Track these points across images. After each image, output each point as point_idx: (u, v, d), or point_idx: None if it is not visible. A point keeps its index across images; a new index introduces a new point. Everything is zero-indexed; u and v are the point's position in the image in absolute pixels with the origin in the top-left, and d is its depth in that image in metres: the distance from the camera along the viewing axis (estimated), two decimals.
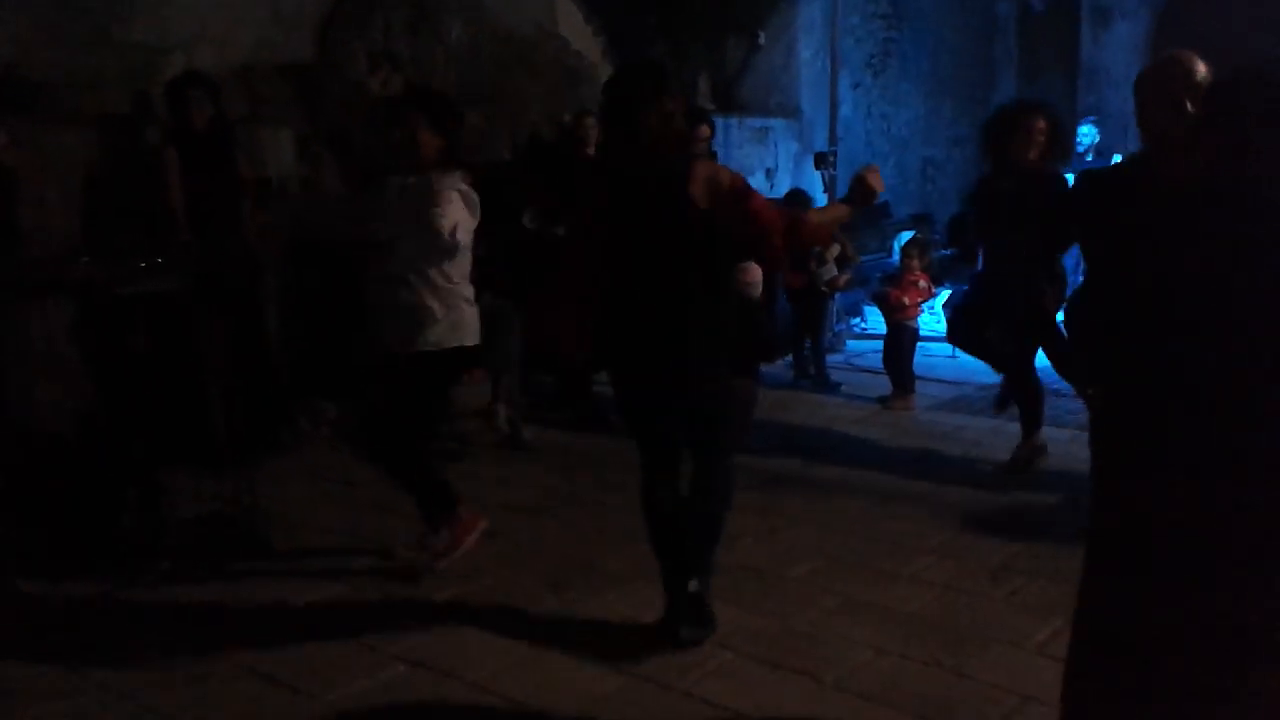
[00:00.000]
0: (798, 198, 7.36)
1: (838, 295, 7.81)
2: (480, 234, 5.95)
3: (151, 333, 4.14)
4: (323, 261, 5.69)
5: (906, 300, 6.88)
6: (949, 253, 7.59)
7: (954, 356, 7.27)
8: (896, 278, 7.09)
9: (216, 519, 4.44)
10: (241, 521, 4.40)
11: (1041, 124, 5.20)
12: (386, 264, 3.95)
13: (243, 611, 3.83)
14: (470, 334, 4.06)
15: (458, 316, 4.00)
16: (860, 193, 3.45)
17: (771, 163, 9.81)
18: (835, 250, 7.22)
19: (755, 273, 4.89)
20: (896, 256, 8.34)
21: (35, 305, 4.70)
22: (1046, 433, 5.45)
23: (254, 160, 5.84)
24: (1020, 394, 5.55)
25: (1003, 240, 5.28)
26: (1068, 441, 5.51)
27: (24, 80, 5.21)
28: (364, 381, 4.63)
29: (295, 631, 3.66)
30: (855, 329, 8.98)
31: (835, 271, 7.26)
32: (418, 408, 4.06)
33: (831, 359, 7.65)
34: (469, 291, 4.06)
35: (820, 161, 8.90)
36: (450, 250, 3.91)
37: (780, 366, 7.69)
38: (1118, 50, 11.65)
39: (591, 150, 6.49)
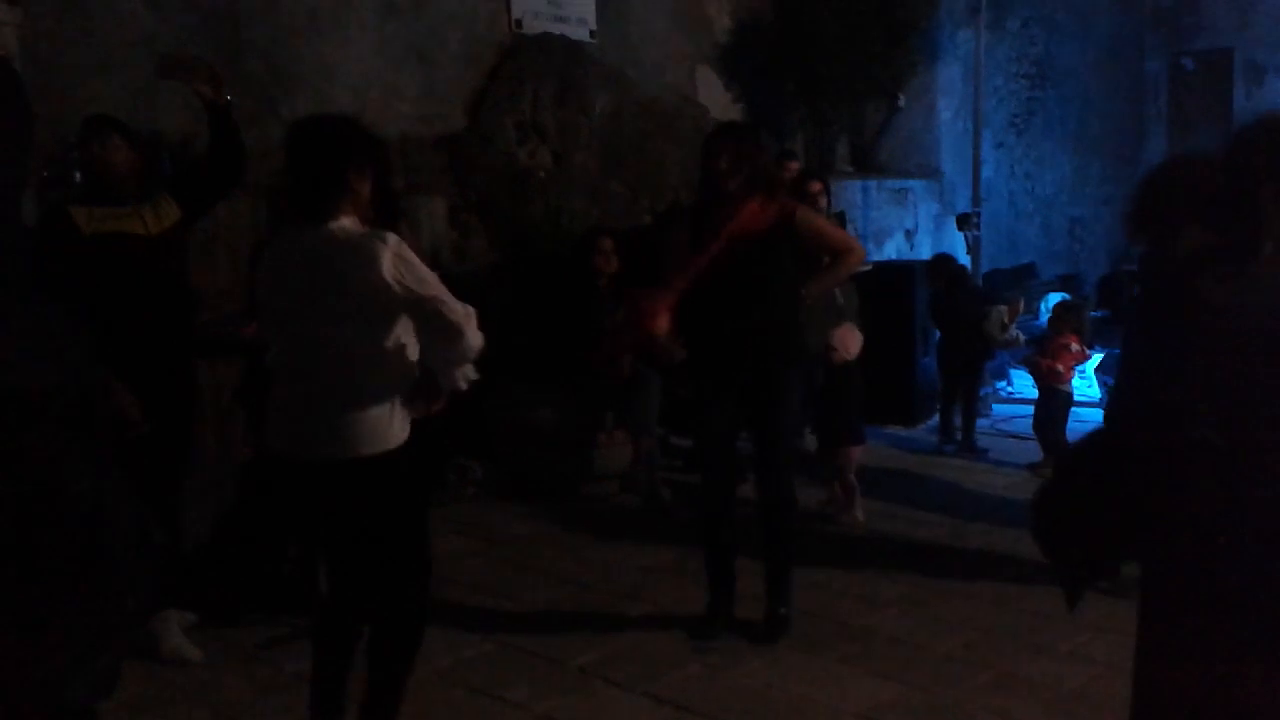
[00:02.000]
0: (945, 264, 7.26)
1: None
2: (622, 297, 6.10)
3: None
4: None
5: (1060, 367, 6.68)
6: (1101, 314, 7.38)
7: None
8: (1047, 342, 6.91)
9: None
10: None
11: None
12: None
13: None
14: None
15: None
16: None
17: (911, 223, 9.73)
18: (1019, 306, 7.07)
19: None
20: (1044, 318, 8.13)
21: (205, 365, 4.95)
22: None
23: (411, 227, 6.08)
24: None
25: None
26: None
27: (197, 151, 5.56)
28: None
29: (441, 688, 3.73)
30: (1001, 393, 8.76)
31: (1017, 333, 7.11)
32: None
33: (978, 424, 7.47)
34: None
35: (963, 223, 8.79)
36: None
37: (923, 431, 7.55)
38: (1272, 105, 11.20)
39: None
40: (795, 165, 7.18)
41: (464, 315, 2.94)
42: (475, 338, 2.97)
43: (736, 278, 3.96)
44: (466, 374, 3.05)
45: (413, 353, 2.98)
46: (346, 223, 2.94)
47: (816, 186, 6.21)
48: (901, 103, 9.64)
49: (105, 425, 2.81)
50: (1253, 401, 2.16)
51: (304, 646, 4.02)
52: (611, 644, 4.04)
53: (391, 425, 2.94)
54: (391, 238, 2.89)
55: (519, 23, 7.19)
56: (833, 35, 8.71)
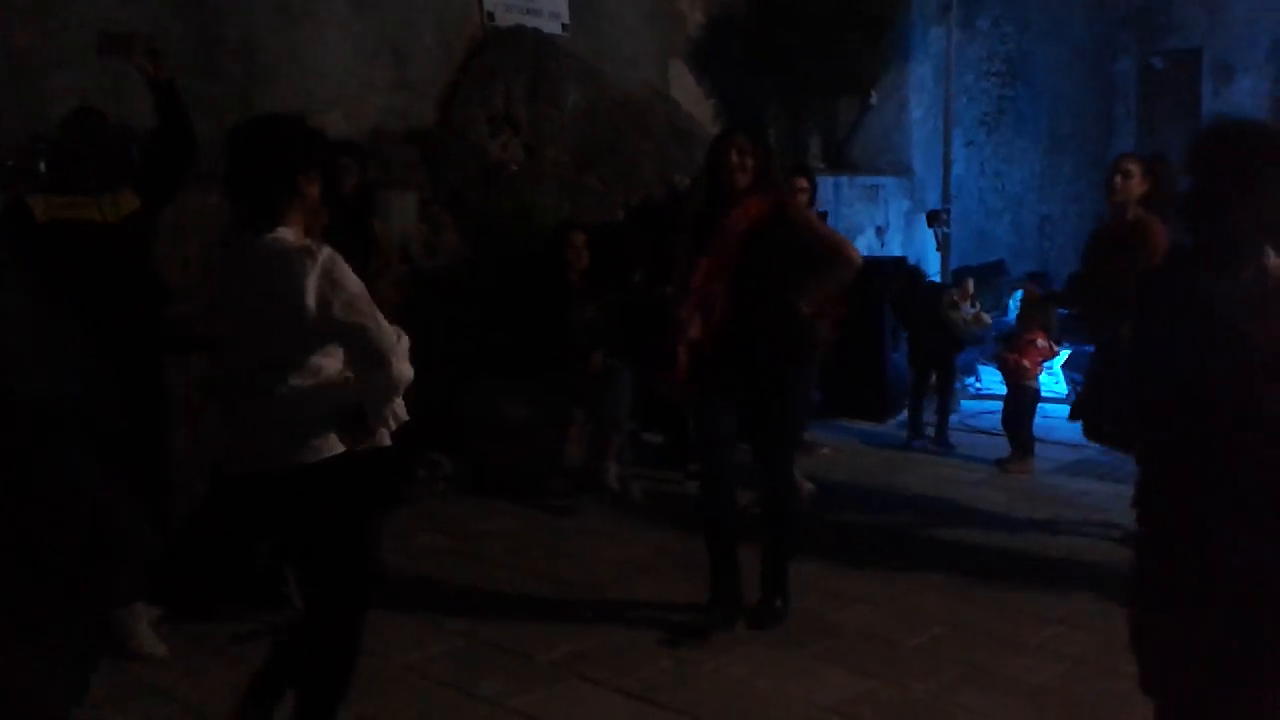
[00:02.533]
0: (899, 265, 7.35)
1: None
2: (594, 293, 6.10)
3: None
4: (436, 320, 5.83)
5: (1026, 363, 6.74)
6: (1068, 311, 7.44)
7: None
8: (1014, 338, 6.96)
9: None
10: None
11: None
12: None
13: (361, 664, 3.88)
14: None
15: None
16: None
17: (882, 220, 9.78)
18: (968, 286, 7.12)
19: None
20: (1013, 315, 8.19)
21: (176, 360, 4.90)
22: None
23: (381, 222, 6.04)
24: None
25: None
26: None
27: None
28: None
29: (410, 684, 3.71)
30: (970, 389, 8.82)
31: (975, 308, 7.15)
32: None
33: (952, 419, 7.52)
34: None
35: (933, 219, 8.85)
36: None
37: (893, 426, 7.60)
38: (1240, 105, 11.35)
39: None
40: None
41: (391, 344, 2.84)
42: (403, 369, 2.86)
43: (738, 274, 4.03)
44: (397, 412, 2.94)
45: (346, 373, 2.88)
46: (286, 233, 2.83)
47: (801, 183, 6.21)
48: (873, 100, 9.68)
49: (110, 430, 2.80)
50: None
51: (272, 641, 4.01)
52: (583, 639, 4.04)
53: (324, 439, 2.82)
54: (324, 254, 2.77)
55: (491, 16, 7.16)
56: (806, 32, 8.72)
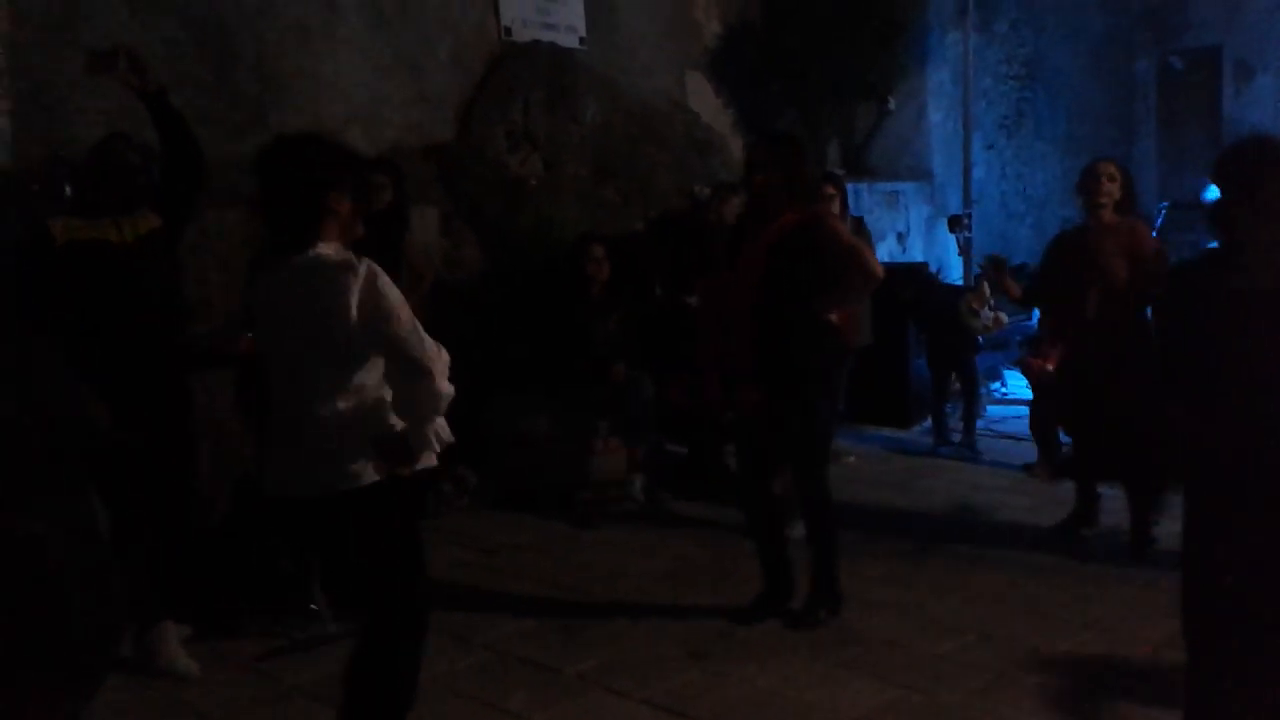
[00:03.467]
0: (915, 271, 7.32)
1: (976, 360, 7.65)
2: (615, 305, 6.10)
3: None
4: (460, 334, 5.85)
5: (1050, 367, 6.67)
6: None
7: None
8: (1039, 342, 6.90)
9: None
10: None
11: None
12: None
13: None
14: None
15: None
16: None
17: (903, 226, 9.74)
18: (984, 290, 7.07)
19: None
20: (1036, 319, 8.14)
21: (199, 376, 4.94)
22: None
23: (413, 237, 6.06)
24: None
25: None
26: None
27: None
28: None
29: (438, 698, 3.71)
30: (995, 394, 8.76)
31: (991, 313, 7.09)
32: None
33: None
34: None
35: (954, 224, 8.80)
36: None
37: (917, 433, 7.56)
38: (1261, 105, 11.26)
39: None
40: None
41: (434, 357, 2.83)
42: (444, 385, 2.85)
43: (766, 288, 4.07)
44: (440, 433, 2.93)
45: (384, 395, 2.86)
46: (326, 249, 2.84)
47: (829, 190, 6.20)
48: (891, 105, 9.66)
49: (119, 448, 2.79)
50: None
51: (301, 658, 4.02)
52: (609, 651, 4.03)
53: (364, 465, 2.81)
54: (364, 267, 2.78)
55: (508, 30, 7.19)
56: (822, 39, 8.71)
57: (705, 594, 4.65)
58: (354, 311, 2.73)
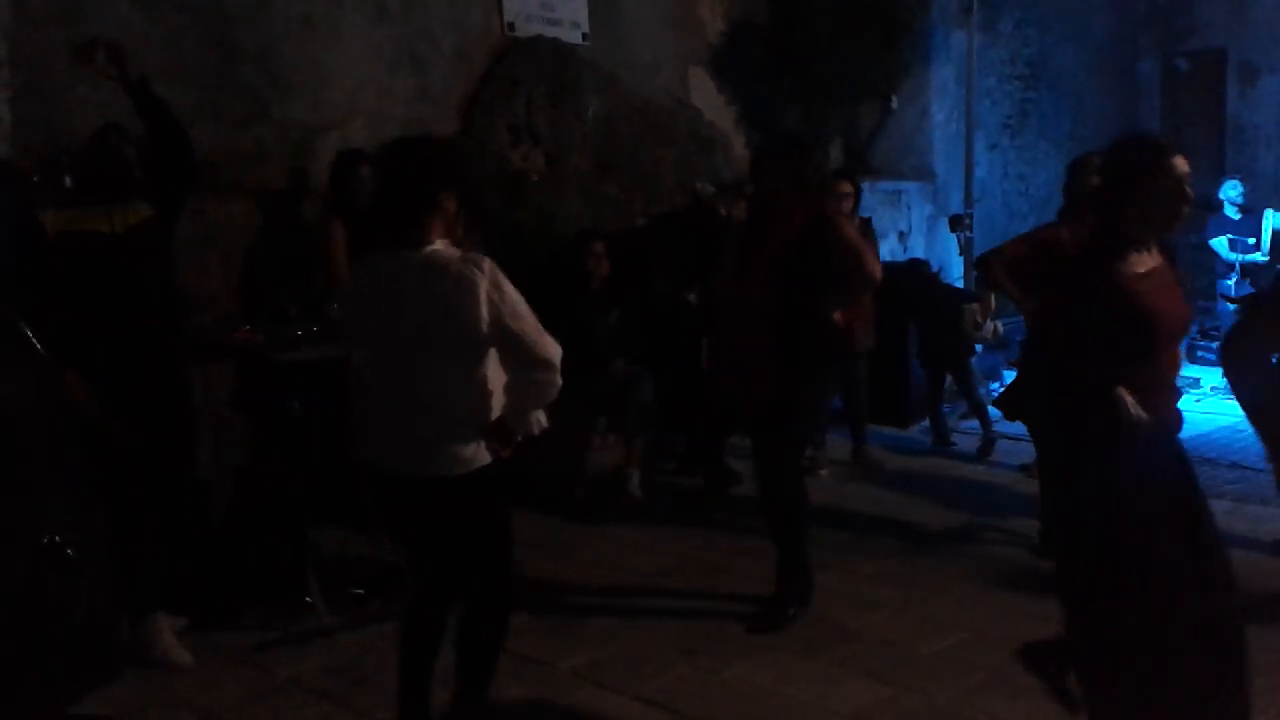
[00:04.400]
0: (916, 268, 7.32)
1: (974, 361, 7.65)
2: (615, 300, 6.11)
3: (309, 397, 4.30)
4: None
5: None
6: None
7: None
8: None
9: (363, 578, 4.56)
10: (386, 581, 4.51)
11: None
12: None
13: (377, 674, 3.86)
14: None
15: None
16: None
17: (904, 225, 9.73)
18: (989, 302, 7.05)
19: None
20: None
21: (198, 368, 4.94)
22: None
23: None
24: None
25: None
26: (1227, 514, 5.25)
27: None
28: None
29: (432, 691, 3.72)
30: (994, 394, 8.76)
31: (993, 324, 7.08)
32: None
33: (969, 425, 7.48)
34: None
35: (956, 224, 8.80)
36: None
37: (917, 432, 7.56)
38: (1265, 106, 11.25)
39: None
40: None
41: (556, 351, 3.01)
42: (558, 378, 3.03)
43: (778, 286, 4.10)
44: (539, 419, 3.13)
45: (497, 385, 3.01)
46: (440, 245, 2.98)
47: (845, 187, 6.20)
48: (895, 104, 9.64)
49: (114, 442, 2.80)
50: None
51: (296, 651, 4.03)
52: (603, 647, 4.04)
53: (476, 449, 2.98)
54: (487, 265, 2.92)
55: (511, 25, 7.18)
56: (826, 37, 8.70)
57: (701, 590, 4.66)
58: (483, 309, 2.87)
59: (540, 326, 3.00)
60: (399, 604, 4.37)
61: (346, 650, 4.06)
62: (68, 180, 4.44)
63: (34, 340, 2.04)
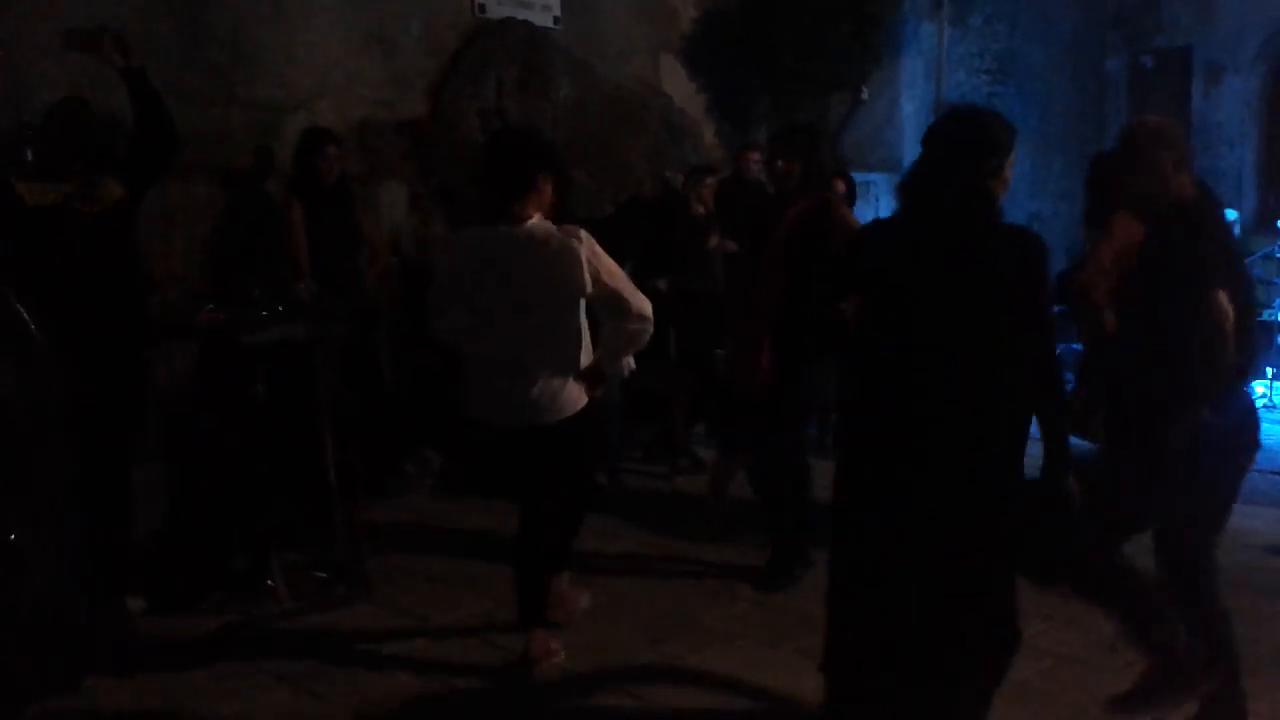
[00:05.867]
0: None
1: None
2: None
3: (270, 379, 4.26)
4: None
5: None
6: (1059, 309, 7.47)
7: None
8: None
9: (323, 563, 4.52)
10: (346, 567, 4.48)
11: None
12: None
13: (339, 659, 3.86)
14: None
15: None
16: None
17: (872, 215, 9.77)
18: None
19: None
20: None
21: (160, 349, 4.88)
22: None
23: (371, 213, 6.02)
24: None
25: None
26: None
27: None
28: None
29: (389, 679, 3.70)
30: None
31: None
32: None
33: None
34: None
35: None
36: None
37: None
38: (1230, 106, 11.37)
39: (701, 209, 6.57)
40: (756, 155, 7.17)
41: (648, 303, 3.51)
42: (650, 327, 3.52)
43: (784, 266, 4.22)
44: (628, 363, 3.62)
45: (587, 336, 3.52)
46: (538, 219, 3.43)
47: (840, 186, 6.27)
48: (865, 96, 9.67)
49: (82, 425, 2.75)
50: None
51: (257, 635, 4.00)
52: (568, 635, 4.02)
53: (577, 394, 3.49)
54: (584, 234, 3.39)
55: (482, 7, 7.13)
56: (797, 27, 8.70)
57: (664, 579, 4.66)
58: (585, 272, 3.34)
59: (633, 284, 3.49)
60: (362, 591, 4.37)
61: (307, 634, 4.03)
62: (29, 154, 4.36)
63: (27, 321, 2.01)
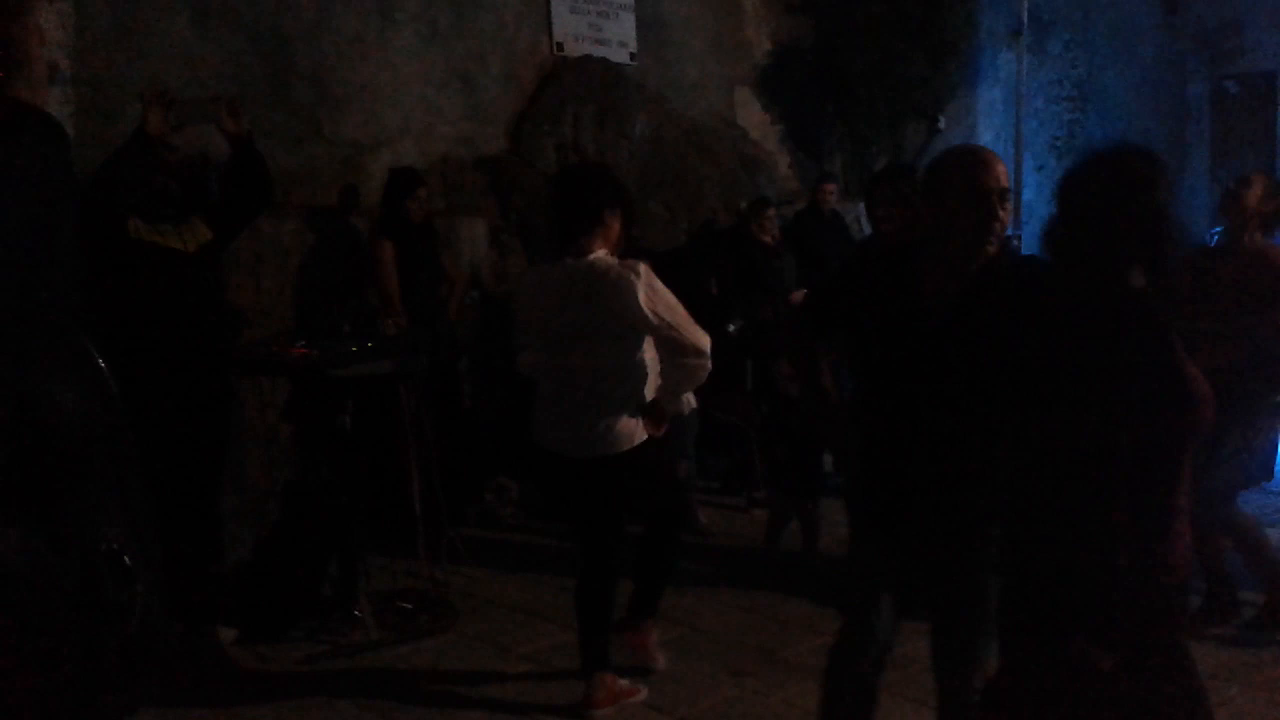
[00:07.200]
0: None
1: None
2: None
3: (359, 412, 4.34)
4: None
5: None
6: None
7: None
8: None
9: (409, 593, 4.59)
10: (432, 596, 4.53)
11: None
12: None
13: (419, 692, 3.90)
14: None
15: None
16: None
17: None
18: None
19: None
20: None
21: (251, 383, 5.00)
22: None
23: (451, 248, 6.13)
24: None
25: None
26: None
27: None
28: None
29: (479, 704, 3.73)
30: None
31: None
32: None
33: None
34: None
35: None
36: None
37: None
38: None
39: (768, 238, 6.62)
40: (832, 188, 7.46)
41: (706, 339, 3.49)
42: (708, 363, 3.50)
43: None
44: (689, 400, 3.70)
45: (652, 371, 3.51)
46: (603, 254, 3.47)
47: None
48: (942, 124, 9.61)
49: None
50: None
51: (345, 664, 4.06)
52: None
53: (636, 425, 3.49)
54: (643, 269, 3.41)
55: (560, 45, 7.24)
56: (872, 58, 8.70)
57: (745, 611, 4.64)
58: (641, 306, 3.36)
59: (691, 319, 3.46)
60: (445, 621, 4.42)
61: (391, 665, 4.08)
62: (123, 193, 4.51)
63: (92, 350, 2.09)
